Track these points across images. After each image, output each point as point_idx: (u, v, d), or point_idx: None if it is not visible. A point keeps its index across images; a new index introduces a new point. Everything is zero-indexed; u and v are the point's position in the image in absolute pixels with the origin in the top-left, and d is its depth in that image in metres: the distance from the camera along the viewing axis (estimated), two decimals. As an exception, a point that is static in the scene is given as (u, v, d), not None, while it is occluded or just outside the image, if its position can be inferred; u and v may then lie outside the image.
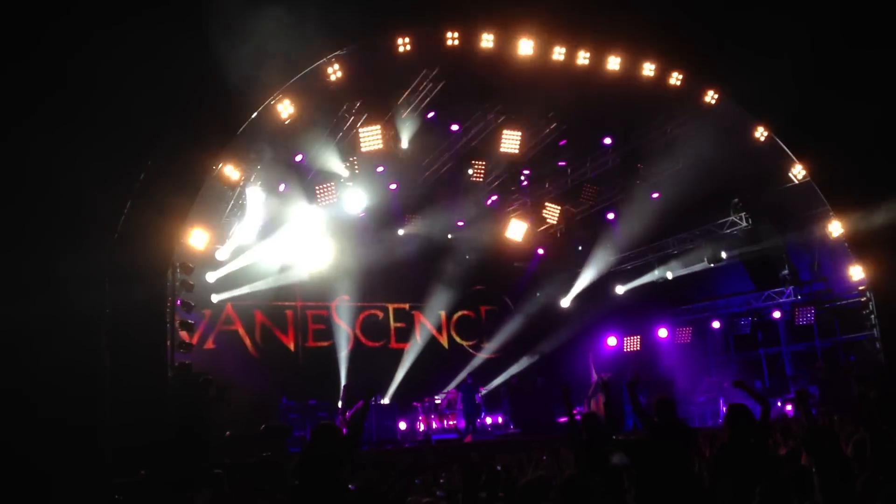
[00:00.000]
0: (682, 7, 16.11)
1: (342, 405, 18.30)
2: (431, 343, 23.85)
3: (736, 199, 21.52)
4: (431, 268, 23.00)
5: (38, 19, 13.06)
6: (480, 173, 20.11)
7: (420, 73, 17.16)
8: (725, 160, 18.95)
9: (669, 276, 23.80)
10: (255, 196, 18.00)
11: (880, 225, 18.40)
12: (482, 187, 21.28)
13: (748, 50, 16.80)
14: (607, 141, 20.51)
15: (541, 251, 24.85)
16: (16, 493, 11.86)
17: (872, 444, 7.07)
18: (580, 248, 24.72)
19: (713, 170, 19.05)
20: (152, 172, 13.99)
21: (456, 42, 16.25)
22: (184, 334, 16.20)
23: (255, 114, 15.52)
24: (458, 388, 21.91)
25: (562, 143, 19.92)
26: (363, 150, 17.76)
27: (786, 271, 22.09)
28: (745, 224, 21.56)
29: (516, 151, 18.88)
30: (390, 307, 23.86)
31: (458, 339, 24.76)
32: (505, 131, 18.58)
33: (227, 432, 16.18)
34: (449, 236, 23.27)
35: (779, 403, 19.84)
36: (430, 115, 18.35)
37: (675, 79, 17.84)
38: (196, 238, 16.04)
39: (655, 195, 21.53)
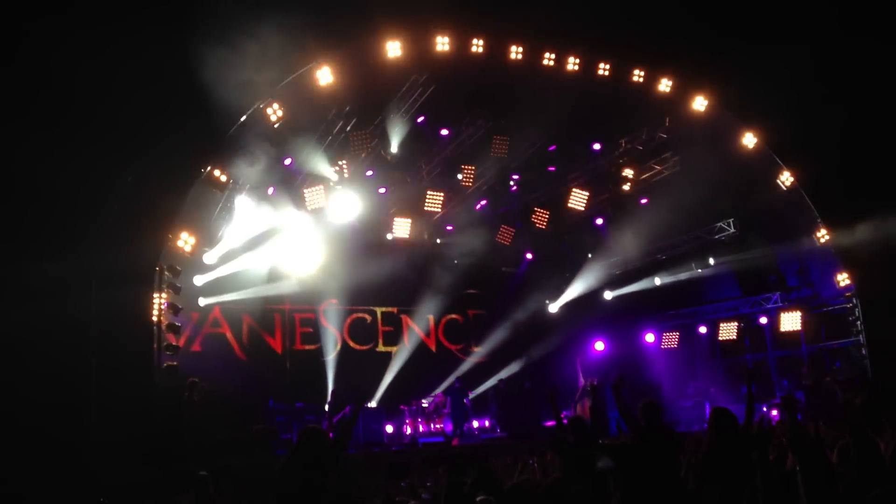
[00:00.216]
0: (671, 14, 16.19)
1: (329, 410, 18.28)
2: (419, 347, 23.82)
3: (729, 220, 21.58)
4: (420, 272, 23.01)
5: (24, 20, 13.03)
6: (470, 178, 20.14)
7: (410, 78, 17.17)
8: (714, 166, 19.02)
9: (658, 282, 23.84)
10: (244, 200, 17.96)
11: (867, 232, 18.53)
12: (471, 192, 21.27)
13: (737, 57, 16.89)
14: (596, 146, 20.54)
15: (529, 256, 24.86)
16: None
17: (857, 450, 7.11)
18: (568, 253, 24.80)
19: (702, 176, 19.12)
20: (140, 175, 13.99)
21: (446, 47, 16.29)
22: (170, 337, 16.17)
23: (244, 117, 15.54)
24: (446, 391, 21.90)
25: (551, 148, 19.95)
26: (352, 154, 17.77)
27: (773, 277, 22.17)
28: (733, 230, 21.62)
29: (506, 156, 18.90)
30: (378, 310, 23.83)
31: (445, 343, 24.75)
32: (495, 136, 18.61)
33: (213, 434, 16.13)
34: (437, 241, 23.28)
35: (764, 409, 19.90)
36: (420, 119, 18.36)
37: (665, 85, 17.93)
38: (183, 241, 16.01)
39: (644, 201, 21.60)
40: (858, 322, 19.87)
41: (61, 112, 13.39)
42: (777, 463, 7.79)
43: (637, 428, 7.84)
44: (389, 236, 21.91)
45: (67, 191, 13.67)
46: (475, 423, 21.91)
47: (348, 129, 17.76)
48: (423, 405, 21.26)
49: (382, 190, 20.76)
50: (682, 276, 23.18)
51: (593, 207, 22.21)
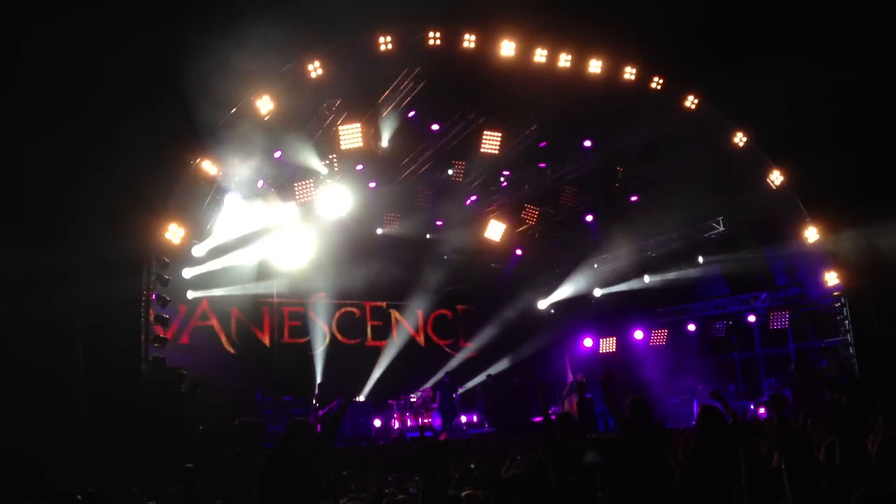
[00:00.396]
0: (663, 13, 16.19)
1: (316, 403, 18.27)
2: (408, 341, 23.85)
3: (719, 219, 21.62)
4: (409, 267, 23.00)
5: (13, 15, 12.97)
6: (460, 173, 20.14)
7: (401, 72, 17.14)
8: (704, 165, 19.06)
9: (647, 279, 23.89)
10: (233, 192, 17.90)
11: (855, 232, 18.60)
12: (462, 187, 21.26)
13: (728, 56, 16.93)
14: (587, 143, 20.54)
15: (519, 252, 24.88)
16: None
17: (843, 449, 7.13)
18: (558, 250, 24.84)
19: (692, 174, 19.16)
20: (129, 167, 13.93)
21: (438, 42, 16.28)
22: (158, 329, 16.12)
23: (234, 109, 15.49)
24: (434, 386, 21.91)
25: (542, 144, 19.94)
26: (343, 147, 17.71)
27: (762, 276, 22.24)
28: (722, 229, 21.66)
29: (496, 152, 18.89)
30: (367, 305, 23.83)
31: (434, 338, 24.77)
32: (485, 132, 18.59)
33: (200, 427, 16.10)
34: (427, 236, 23.27)
35: (751, 406, 19.97)
36: (411, 114, 18.32)
37: (656, 83, 17.96)
38: (172, 233, 15.95)
39: (634, 198, 21.64)
40: (846, 321, 19.94)
41: (48, 103, 13.33)
42: (763, 460, 7.80)
43: (624, 424, 7.85)
44: (379, 231, 21.89)
45: (55, 182, 13.62)
46: (463, 418, 21.93)
47: (339, 122, 17.70)
48: (412, 400, 21.27)
49: (373, 184, 20.72)
50: (671, 275, 23.24)
51: (583, 204, 22.23)
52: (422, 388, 22.03)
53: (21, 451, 12.51)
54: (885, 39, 15.58)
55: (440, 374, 22.51)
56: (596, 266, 24.79)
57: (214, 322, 20.72)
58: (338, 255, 21.19)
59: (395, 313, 24.19)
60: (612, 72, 17.61)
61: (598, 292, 24.95)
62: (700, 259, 22.55)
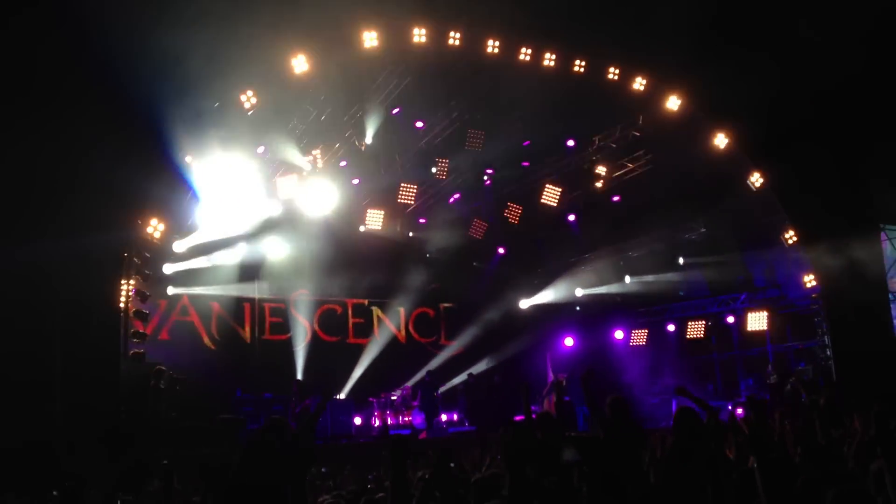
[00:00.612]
0: (647, 14, 16.26)
1: (294, 398, 18.25)
2: (389, 339, 23.81)
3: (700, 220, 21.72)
4: (391, 264, 22.99)
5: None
6: (444, 171, 20.14)
7: (386, 69, 17.12)
8: (686, 165, 19.15)
9: (628, 280, 23.99)
10: (215, 187, 17.82)
11: (834, 234, 18.75)
12: (445, 185, 21.27)
13: (711, 58, 17.00)
14: (570, 143, 20.60)
15: (501, 251, 24.90)
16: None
17: (819, 450, 7.20)
18: (540, 249, 24.90)
19: (674, 175, 19.25)
20: (109, 160, 13.85)
21: (423, 39, 16.26)
22: (138, 324, 16.05)
23: (217, 103, 15.43)
24: (416, 385, 21.92)
25: (525, 143, 19.98)
26: (326, 144, 17.68)
27: (741, 277, 22.37)
28: (703, 229, 21.77)
29: (480, 150, 18.91)
30: (349, 302, 23.78)
31: (416, 336, 24.76)
32: (469, 130, 18.61)
33: (179, 423, 16.05)
34: (410, 233, 23.26)
35: (729, 407, 20.09)
36: (395, 110, 18.31)
37: (639, 83, 18.03)
38: (153, 227, 15.88)
39: (616, 199, 21.72)
40: (823, 323, 20.09)
41: (26, 95, 13.25)
42: (738, 461, 7.87)
43: (604, 423, 7.89)
44: (362, 228, 21.86)
45: (36, 176, 13.55)
46: (444, 417, 21.95)
47: (322, 118, 17.67)
48: (392, 398, 21.26)
49: (356, 181, 20.68)
50: (652, 277, 23.37)
51: (566, 204, 22.27)
52: (402, 386, 22.02)
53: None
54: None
55: (421, 373, 22.51)
56: (577, 266, 24.86)
57: (195, 318, 20.63)
58: (320, 252, 21.14)
59: (376, 311, 24.16)
60: (596, 72, 17.66)
61: (579, 292, 25.01)
62: (681, 260, 22.67)
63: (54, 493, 11.24)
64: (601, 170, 21.18)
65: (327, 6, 14.70)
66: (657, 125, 18.95)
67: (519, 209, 22.27)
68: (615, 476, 7.03)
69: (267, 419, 7.34)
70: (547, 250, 25.03)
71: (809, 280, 19.98)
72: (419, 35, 16.19)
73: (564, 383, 20.04)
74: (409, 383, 22.22)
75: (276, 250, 20.35)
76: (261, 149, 18.12)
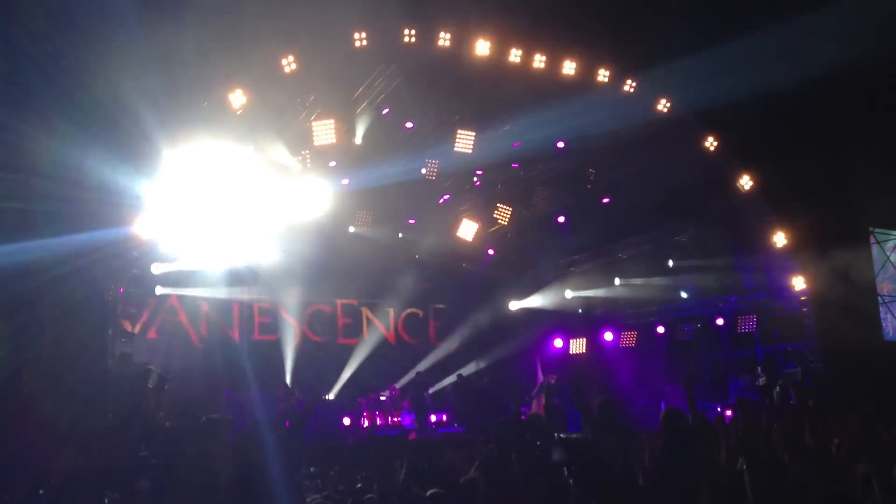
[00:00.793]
0: (636, 16, 16.29)
1: (280, 402, 18.23)
2: (379, 340, 23.79)
3: (690, 221, 21.74)
4: (381, 265, 22.96)
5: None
6: (434, 172, 20.11)
7: (376, 69, 17.08)
8: (676, 167, 19.16)
9: (617, 282, 24.01)
10: (204, 185, 17.74)
11: (823, 237, 18.80)
12: (435, 186, 21.24)
13: (700, 61, 17.02)
14: (560, 145, 20.58)
15: (491, 252, 24.90)
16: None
17: (808, 452, 7.20)
18: (530, 250, 24.90)
19: (663, 176, 19.25)
20: (99, 157, 13.79)
21: (413, 39, 16.24)
22: (126, 323, 15.99)
23: (206, 102, 15.38)
24: (405, 385, 21.90)
25: (515, 144, 19.96)
26: (316, 143, 17.63)
27: (730, 279, 22.38)
28: (692, 231, 21.78)
29: (470, 151, 18.89)
30: (338, 302, 23.76)
31: (405, 337, 24.74)
32: (459, 131, 18.59)
33: (167, 423, 15.97)
34: (400, 234, 23.22)
35: (718, 409, 20.11)
36: (385, 111, 18.27)
37: (629, 86, 18.04)
38: (142, 226, 15.81)
39: (606, 200, 21.73)
40: (812, 326, 20.12)
41: (17, 92, 13.17)
42: (728, 463, 7.87)
43: (593, 424, 7.89)
44: (351, 229, 21.82)
45: (25, 172, 13.47)
46: (433, 418, 21.94)
47: (312, 118, 17.62)
48: (381, 398, 21.23)
49: (345, 181, 20.63)
50: (639, 280, 23.41)
51: (556, 205, 22.28)
52: (394, 387, 22.00)
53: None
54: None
55: (411, 374, 22.50)
56: (567, 267, 24.87)
57: (183, 317, 20.58)
58: (309, 253, 21.09)
59: (366, 311, 24.16)
60: (587, 74, 17.67)
61: (569, 294, 25.02)
62: (670, 262, 22.69)
63: (52, 481, 11.20)
64: (591, 171, 21.17)
65: (317, 6, 14.67)
66: (647, 127, 18.95)
67: (509, 210, 22.27)
68: (603, 477, 7.02)
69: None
70: (537, 251, 25.03)
71: (799, 283, 20.02)
72: (409, 35, 16.16)
73: (554, 384, 20.05)
74: (398, 384, 22.20)
75: (266, 251, 20.26)
76: (251, 148, 18.04)
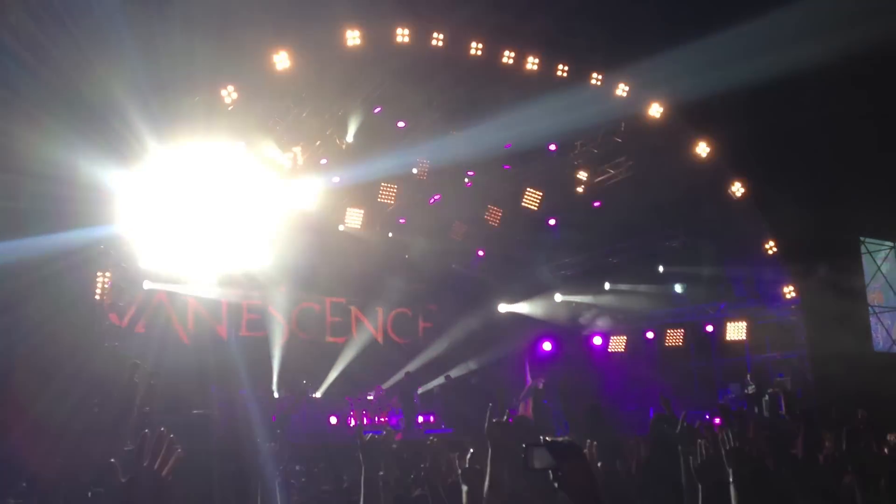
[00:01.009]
0: (629, 22, 16.29)
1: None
2: (367, 339, 23.72)
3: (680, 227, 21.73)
4: (370, 264, 22.87)
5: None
6: (424, 172, 20.05)
7: (368, 68, 17.02)
8: (667, 173, 19.15)
9: (607, 286, 23.97)
10: (194, 182, 17.67)
11: (814, 246, 18.81)
12: (426, 185, 21.18)
13: (693, 66, 17.02)
14: (552, 147, 20.56)
15: (481, 253, 24.84)
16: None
17: (795, 461, 7.17)
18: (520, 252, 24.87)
19: (655, 182, 19.24)
20: (88, 155, 13.72)
21: (406, 39, 16.18)
22: (113, 317, 15.90)
23: (197, 98, 15.31)
24: (393, 386, 21.84)
25: (507, 146, 19.92)
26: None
27: (721, 286, 22.38)
28: (683, 237, 21.77)
29: (461, 152, 18.84)
30: (327, 300, 23.68)
31: (394, 337, 24.68)
32: (451, 132, 18.54)
33: (152, 418, 15.87)
34: (390, 234, 23.15)
35: (706, 416, 20.10)
36: (377, 110, 18.22)
37: (622, 90, 18.01)
38: (130, 221, 15.73)
39: (597, 204, 21.70)
40: (802, 335, 20.13)
41: (12, 96, 13.10)
42: (714, 470, 7.81)
43: (579, 429, 7.85)
44: (341, 227, 21.74)
45: (11, 168, 13.41)
46: (420, 419, 21.87)
47: (303, 115, 17.55)
48: (369, 398, 21.15)
49: (336, 179, 20.55)
50: (628, 286, 23.39)
51: (546, 208, 22.24)
52: (379, 387, 21.93)
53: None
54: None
55: (399, 374, 22.43)
56: (556, 270, 24.84)
57: (171, 312, 20.47)
58: (299, 250, 21.00)
59: (355, 310, 24.08)
60: (579, 77, 17.64)
61: (558, 298, 24.98)
62: (660, 268, 22.66)
63: (24, 484, 11.10)
64: (582, 175, 21.14)
65: (311, 4, 14.62)
66: (639, 132, 18.95)
67: (499, 212, 22.22)
68: (588, 483, 6.97)
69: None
70: (526, 254, 24.97)
71: (789, 291, 20.02)
72: (402, 35, 16.11)
73: (542, 388, 20.00)
74: (385, 385, 22.13)
75: (255, 249, 20.17)
76: (242, 144, 17.96)
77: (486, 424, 4.77)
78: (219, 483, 6.51)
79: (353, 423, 20.42)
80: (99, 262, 15.55)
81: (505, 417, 8.59)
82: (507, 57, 16.96)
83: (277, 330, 22.18)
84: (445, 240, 22.47)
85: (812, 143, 18.51)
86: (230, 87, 15.47)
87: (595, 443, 7.02)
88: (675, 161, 19.17)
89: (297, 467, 13.01)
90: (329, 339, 23.48)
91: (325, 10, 15.19)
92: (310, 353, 22.38)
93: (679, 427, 6.37)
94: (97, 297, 15.58)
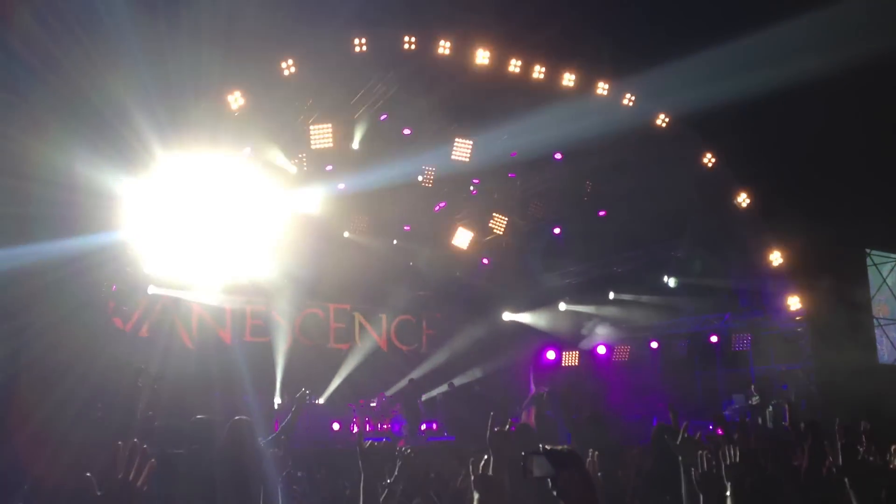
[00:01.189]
0: (636, 32, 16.31)
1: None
2: (371, 346, 23.71)
3: (686, 237, 21.71)
4: (375, 271, 22.88)
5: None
6: (430, 179, 20.07)
7: (375, 75, 17.06)
8: (673, 182, 19.16)
9: (612, 295, 23.95)
10: (200, 187, 17.70)
11: (819, 257, 18.77)
12: (431, 193, 21.19)
13: (699, 77, 17.03)
14: (558, 156, 20.56)
15: (485, 261, 24.84)
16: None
17: (797, 474, 7.16)
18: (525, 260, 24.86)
19: (660, 191, 19.24)
20: (95, 161, 13.76)
21: (413, 47, 16.23)
22: (117, 321, 15.92)
23: (203, 104, 15.33)
24: (397, 393, 21.81)
25: (513, 154, 19.93)
26: (313, 147, 17.60)
27: (725, 296, 22.34)
28: (688, 247, 21.73)
29: (467, 160, 18.85)
30: (331, 307, 23.67)
31: (397, 344, 24.67)
32: (457, 139, 18.56)
33: (156, 423, 15.87)
34: (394, 241, 23.16)
35: (710, 427, 20.03)
36: (383, 117, 18.25)
37: (628, 100, 18.04)
38: (136, 226, 15.76)
39: (602, 213, 21.69)
40: (807, 347, 20.07)
41: (19, 102, 13.14)
42: (717, 481, 7.80)
43: (582, 438, 7.84)
44: (346, 234, 21.76)
45: (18, 175, 13.43)
46: (423, 426, 21.84)
47: (310, 122, 17.59)
48: (372, 405, 21.14)
49: (342, 186, 20.58)
50: (632, 296, 23.35)
51: (551, 217, 22.25)
52: (382, 394, 21.91)
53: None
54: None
55: (402, 381, 22.41)
56: (561, 279, 24.81)
57: (175, 317, 20.49)
58: (303, 256, 21.01)
59: (359, 317, 24.07)
60: (585, 86, 17.67)
61: (562, 307, 24.96)
62: (666, 279, 22.64)
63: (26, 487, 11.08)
64: (587, 184, 21.14)
65: (318, 10, 14.66)
66: (645, 142, 18.95)
67: (504, 220, 22.23)
68: (587, 491, 6.96)
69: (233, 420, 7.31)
70: (531, 262, 24.96)
71: (794, 303, 19.98)
72: (409, 42, 16.16)
73: (546, 397, 19.96)
74: (388, 392, 22.11)
75: (260, 254, 20.18)
76: (247, 150, 18.00)
77: (488, 433, 4.78)
78: (221, 488, 6.54)
79: (355, 429, 20.40)
80: (104, 267, 15.56)
81: (507, 426, 8.60)
82: (514, 65, 16.99)
83: (281, 336, 22.15)
84: (450, 247, 22.45)
85: (818, 154, 18.47)
86: (237, 93, 15.52)
87: (597, 452, 7.01)
88: (680, 171, 19.17)
89: (300, 473, 12.98)
90: (333, 345, 23.48)
91: (332, 17, 15.22)
92: (313, 359, 22.37)
93: (680, 437, 6.36)
94: (102, 302, 15.60)
